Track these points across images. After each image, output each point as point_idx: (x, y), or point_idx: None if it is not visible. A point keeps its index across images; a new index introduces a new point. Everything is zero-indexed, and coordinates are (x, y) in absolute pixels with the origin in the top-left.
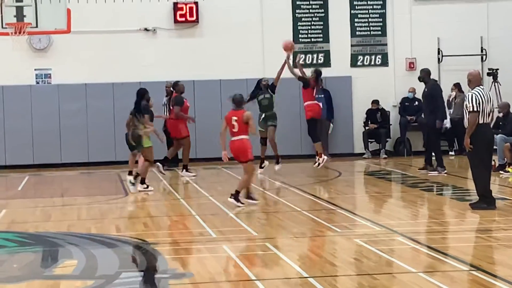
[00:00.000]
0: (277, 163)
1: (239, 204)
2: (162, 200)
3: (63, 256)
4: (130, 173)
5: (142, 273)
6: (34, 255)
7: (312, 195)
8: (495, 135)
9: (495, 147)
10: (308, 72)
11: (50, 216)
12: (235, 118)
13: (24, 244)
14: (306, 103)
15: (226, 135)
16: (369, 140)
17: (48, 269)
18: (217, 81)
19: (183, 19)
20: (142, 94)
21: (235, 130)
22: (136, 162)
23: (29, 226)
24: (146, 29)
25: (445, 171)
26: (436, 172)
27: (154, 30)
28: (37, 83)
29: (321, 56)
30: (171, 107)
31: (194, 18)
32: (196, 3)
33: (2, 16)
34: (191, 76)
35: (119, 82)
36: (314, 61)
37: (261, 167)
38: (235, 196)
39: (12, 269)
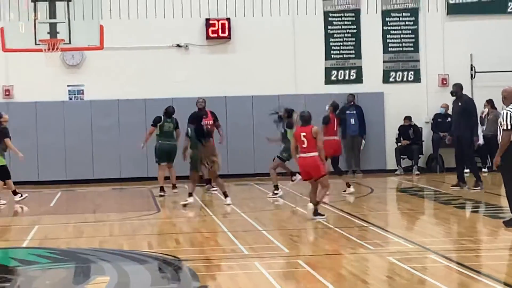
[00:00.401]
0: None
1: (318, 218)
2: (194, 216)
3: (95, 273)
4: (162, 189)
5: None
6: (66, 272)
7: (344, 212)
8: None
9: None
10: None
11: (82, 232)
12: (303, 134)
13: (56, 260)
14: (324, 138)
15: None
16: (402, 156)
17: (80, 285)
18: (249, 97)
19: (215, 35)
20: (200, 117)
21: (305, 146)
22: (167, 178)
23: (61, 242)
24: (178, 45)
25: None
26: (478, 187)
27: (186, 46)
28: (70, 99)
29: (353, 72)
30: None
31: (226, 34)
32: (228, 19)
33: (35, 33)
34: (223, 92)
35: (151, 98)
36: (346, 77)
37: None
38: (317, 204)
39: (44, 286)
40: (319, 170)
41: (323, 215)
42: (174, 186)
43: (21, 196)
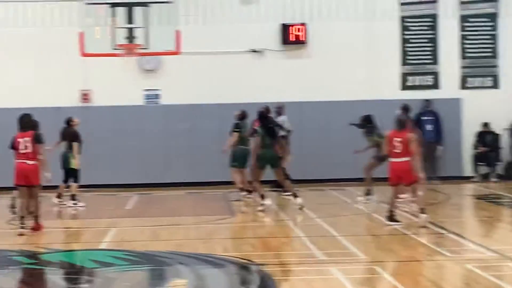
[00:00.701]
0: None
1: (395, 224)
2: (269, 221)
3: (172, 276)
4: (243, 190)
5: None
6: (144, 274)
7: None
8: None
9: None
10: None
11: (158, 235)
12: (398, 139)
13: (134, 262)
14: None
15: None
16: (479, 163)
17: None
18: (324, 103)
19: (291, 40)
20: (266, 118)
21: (398, 151)
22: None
23: (138, 245)
24: (254, 51)
25: None
26: None
27: (262, 51)
28: (146, 103)
29: (430, 78)
30: None
31: (303, 39)
32: (304, 25)
33: (113, 38)
34: (299, 98)
35: (226, 103)
36: (423, 83)
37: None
38: (422, 211)
39: None
40: (411, 176)
41: (399, 221)
42: (247, 191)
43: (76, 203)
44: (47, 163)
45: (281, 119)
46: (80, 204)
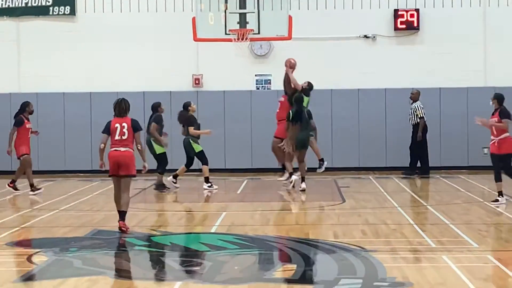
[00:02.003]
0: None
1: None
2: (379, 207)
3: (282, 260)
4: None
5: (361, 280)
6: (254, 258)
7: None
8: None
9: None
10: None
11: (268, 220)
12: None
13: (244, 246)
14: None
15: None
16: None
17: (268, 272)
18: (436, 89)
19: (404, 26)
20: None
21: None
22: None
23: (249, 229)
24: (365, 36)
25: None
26: None
27: (374, 37)
28: (257, 88)
29: None
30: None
31: (415, 25)
32: (417, 10)
33: (226, 23)
34: (409, 84)
35: (337, 89)
36: None
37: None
38: None
39: (233, 271)
40: None
41: None
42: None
43: (211, 185)
44: (145, 151)
45: (414, 106)
46: (215, 187)
